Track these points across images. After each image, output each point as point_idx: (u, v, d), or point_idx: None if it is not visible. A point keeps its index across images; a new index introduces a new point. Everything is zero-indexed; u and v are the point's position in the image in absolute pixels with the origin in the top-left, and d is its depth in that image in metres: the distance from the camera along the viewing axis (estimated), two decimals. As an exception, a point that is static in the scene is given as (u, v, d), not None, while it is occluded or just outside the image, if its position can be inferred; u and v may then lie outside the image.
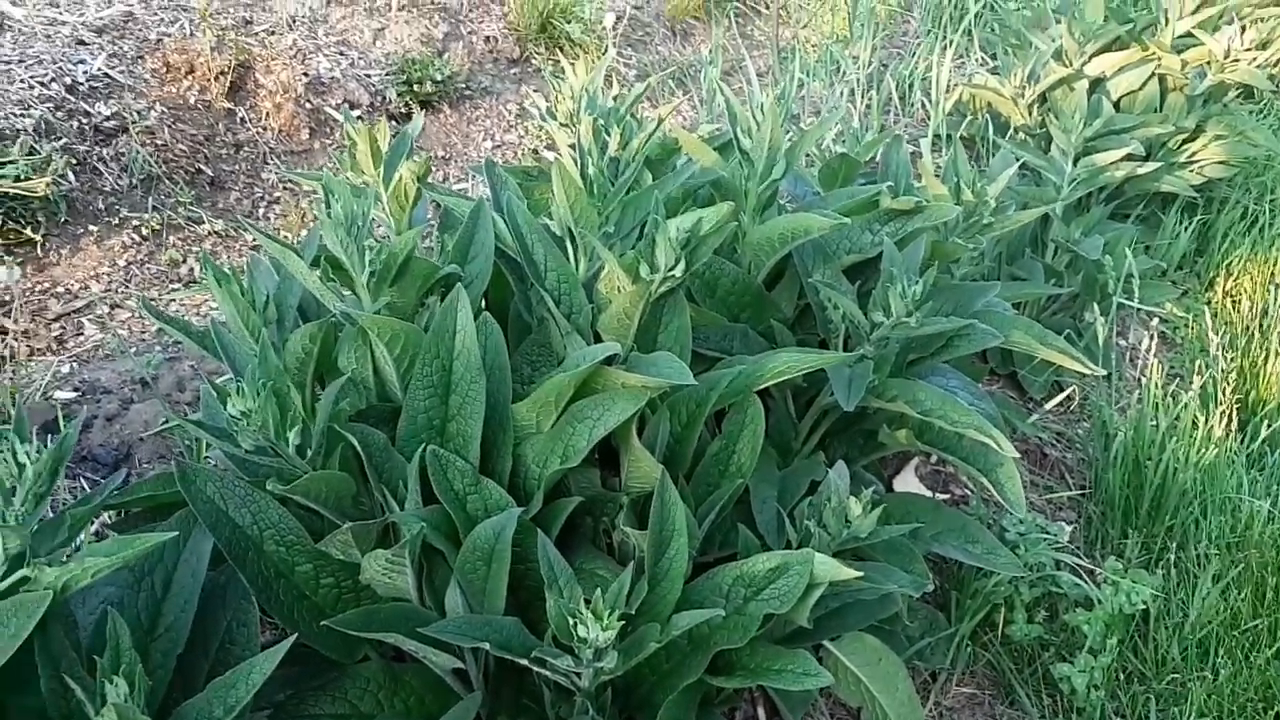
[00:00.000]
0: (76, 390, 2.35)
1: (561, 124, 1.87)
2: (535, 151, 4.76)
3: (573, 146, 1.86)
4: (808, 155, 3.39)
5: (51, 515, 1.25)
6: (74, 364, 2.66)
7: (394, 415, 1.42)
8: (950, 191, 2.08)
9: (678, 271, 1.52)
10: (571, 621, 1.24)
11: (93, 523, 1.62)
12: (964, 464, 1.93)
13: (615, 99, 2.05)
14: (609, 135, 1.74)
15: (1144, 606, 2.26)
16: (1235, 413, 2.89)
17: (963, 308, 2.01)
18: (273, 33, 4.66)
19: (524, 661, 1.27)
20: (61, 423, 2.14)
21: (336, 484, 1.28)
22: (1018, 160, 2.69)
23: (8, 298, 3.20)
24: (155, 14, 4.52)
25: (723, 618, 1.42)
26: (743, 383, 1.58)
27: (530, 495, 1.44)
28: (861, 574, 1.42)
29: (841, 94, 3.90)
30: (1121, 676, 2.29)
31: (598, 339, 1.57)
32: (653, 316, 1.62)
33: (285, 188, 4.32)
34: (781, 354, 1.64)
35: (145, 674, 1.07)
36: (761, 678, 1.42)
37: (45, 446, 1.10)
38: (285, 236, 4.09)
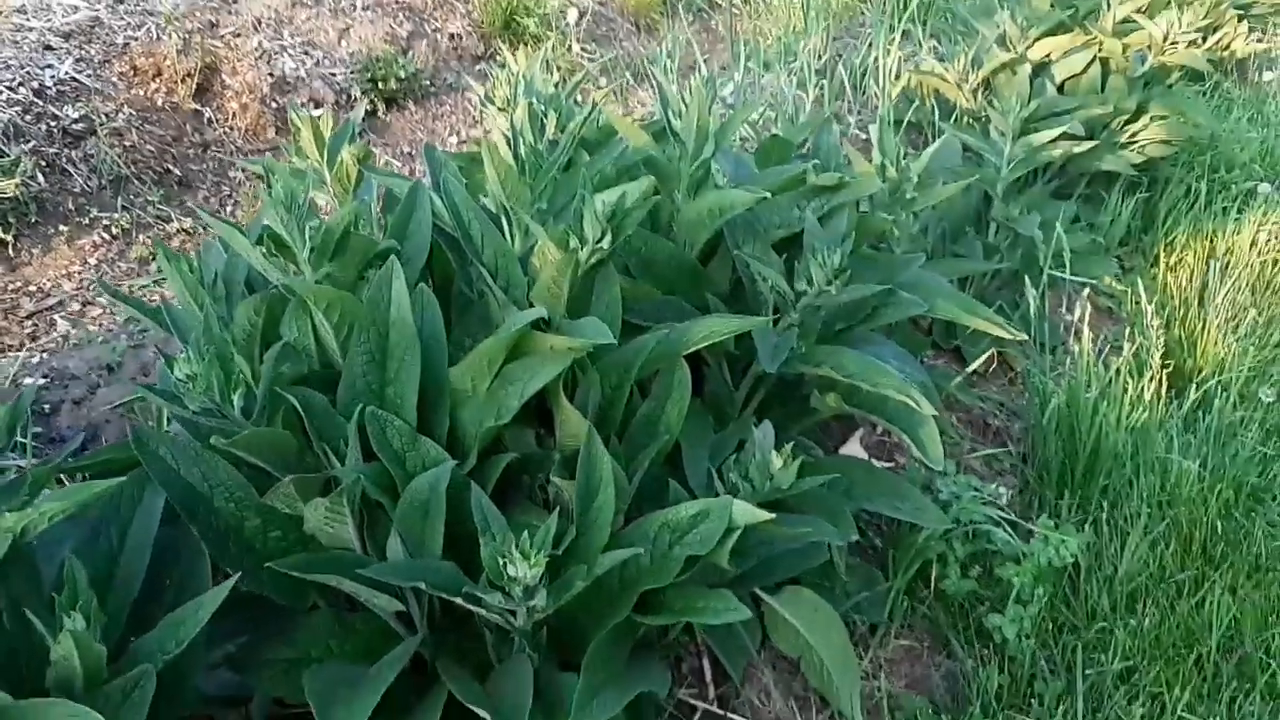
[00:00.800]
0: (45, 377, 2.44)
1: (499, 109, 1.98)
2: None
3: (505, 132, 1.97)
4: (747, 140, 3.50)
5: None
6: (42, 354, 2.75)
7: (335, 381, 1.52)
8: (876, 169, 2.19)
9: (605, 243, 1.63)
10: (502, 562, 1.34)
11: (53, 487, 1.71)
12: (890, 424, 2.04)
13: (556, 85, 2.16)
14: (546, 120, 1.85)
15: (1072, 560, 2.38)
16: (1167, 379, 3.02)
17: (889, 278, 2.12)
18: (238, 35, 4.75)
19: (458, 600, 1.37)
20: (26, 406, 2.23)
21: (279, 441, 1.39)
22: (937, 143, 2.80)
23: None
24: (122, 19, 4.60)
25: (649, 561, 1.52)
26: (669, 347, 1.69)
27: (467, 453, 1.54)
28: (774, 517, 1.52)
29: (794, 83, 4.01)
30: (1052, 627, 2.40)
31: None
32: (584, 289, 1.72)
33: (252, 185, 4.40)
34: (708, 319, 1.75)
35: (102, 616, 1.17)
36: (687, 615, 1.53)
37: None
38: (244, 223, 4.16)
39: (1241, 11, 5.12)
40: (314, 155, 1.79)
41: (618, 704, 1.45)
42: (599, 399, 1.67)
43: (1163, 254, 3.93)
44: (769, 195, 1.85)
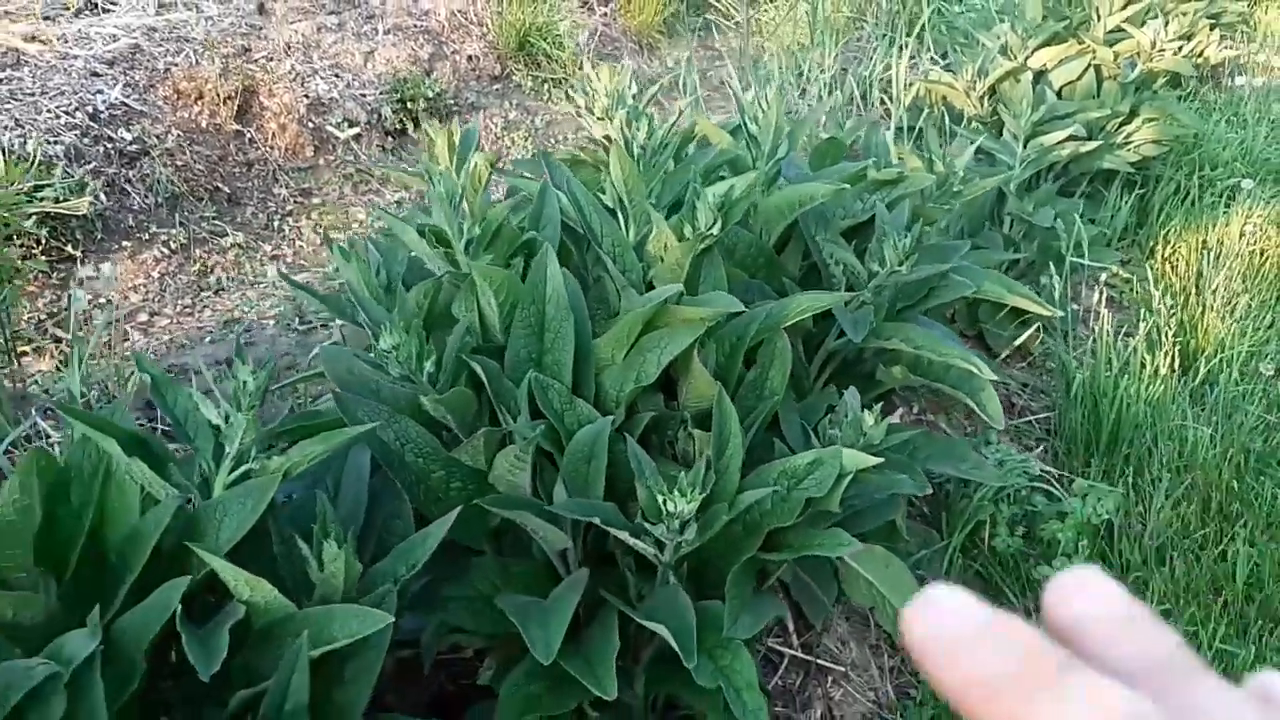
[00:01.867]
0: (169, 372, 2.63)
1: (598, 118, 2.21)
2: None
3: (607, 137, 2.21)
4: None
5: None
6: (154, 354, 2.95)
7: (497, 353, 1.74)
8: (924, 165, 2.43)
9: (715, 230, 1.86)
10: (661, 499, 1.56)
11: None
12: (952, 390, 2.28)
13: (634, 98, 2.39)
14: (637, 126, 2.08)
15: (1108, 517, 2.63)
16: (1178, 355, 3.28)
17: (943, 262, 2.37)
18: (271, 59, 4.96)
19: (623, 535, 1.59)
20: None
21: (465, 399, 1.61)
22: (973, 143, 3.06)
23: (58, 309, 3.47)
24: (160, 45, 4.81)
25: (772, 503, 1.75)
26: (772, 320, 1.92)
27: (611, 412, 1.76)
28: (881, 460, 1.76)
29: (813, 95, 4.26)
30: (1093, 578, 2.64)
31: (650, 289, 1.90)
32: (693, 271, 1.95)
33: (296, 201, 4.61)
34: (801, 296, 1.98)
35: (352, 544, 1.39)
36: (806, 549, 1.76)
37: (252, 373, 1.41)
38: (299, 246, 4.39)
39: (1213, 21, 5.45)
40: (445, 161, 2.01)
41: (755, 626, 1.68)
42: (714, 366, 1.90)
43: (1159, 246, 4.21)
44: (848, 187, 2.09)
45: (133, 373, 2.62)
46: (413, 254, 1.90)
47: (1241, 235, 4.19)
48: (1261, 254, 4.14)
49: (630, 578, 1.81)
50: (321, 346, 1.65)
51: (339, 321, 3.04)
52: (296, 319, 3.23)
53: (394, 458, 1.63)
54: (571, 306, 1.75)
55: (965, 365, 2.16)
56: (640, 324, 1.75)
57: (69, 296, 3.22)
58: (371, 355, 1.85)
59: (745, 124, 2.25)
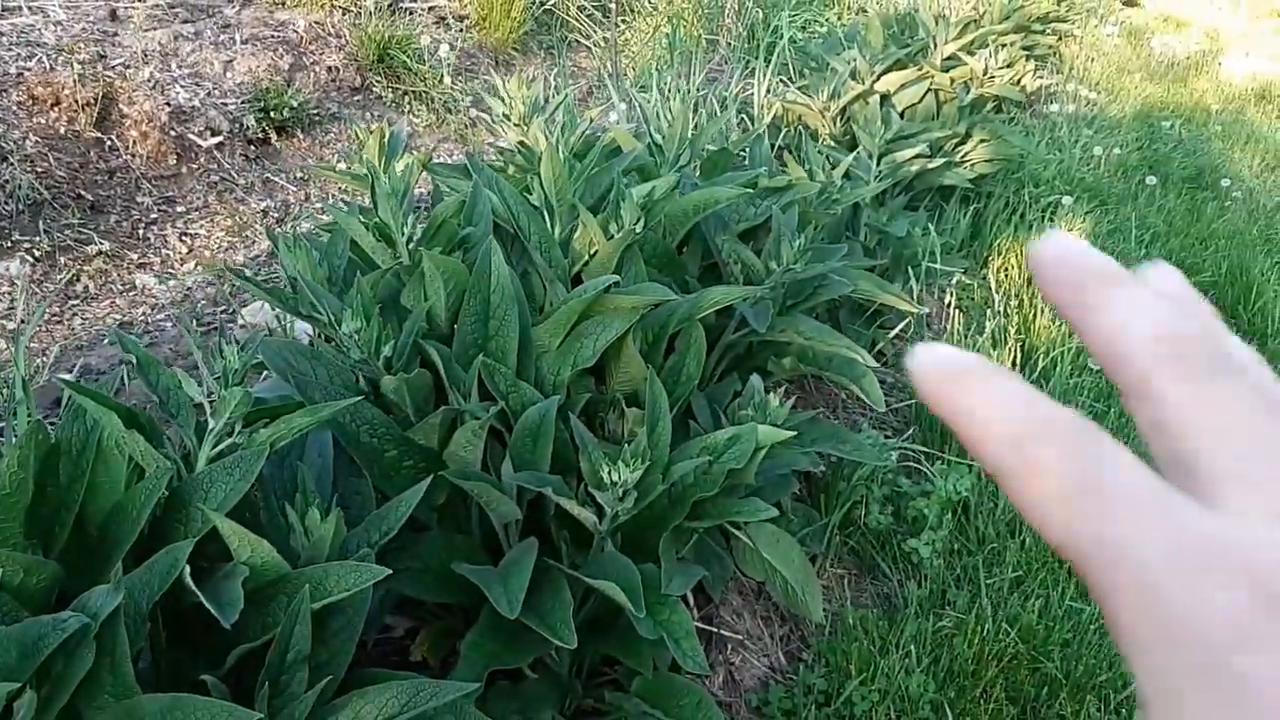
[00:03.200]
0: (68, 372, 2.62)
1: (515, 123, 2.35)
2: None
3: (522, 143, 2.35)
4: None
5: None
6: (54, 354, 2.91)
7: (444, 339, 1.86)
8: (808, 174, 2.66)
9: (638, 227, 2.03)
10: (606, 470, 1.71)
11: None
12: (838, 377, 2.50)
13: (547, 102, 2.54)
14: (563, 129, 2.24)
15: (965, 494, 2.91)
16: (1019, 352, 3.63)
17: (824, 264, 2.59)
18: (129, 66, 4.88)
19: (571, 503, 1.73)
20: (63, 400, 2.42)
21: (425, 382, 1.72)
22: (829, 161, 3.33)
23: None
24: (9, 49, 4.68)
25: (696, 475, 1.92)
26: (689, 310, 2.10)
27: (550, 393, 1.90)
28: (794, 434, 1.95)
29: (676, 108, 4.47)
30: (954, 550, 2.92)
31: (575, 284, 2.05)
32: (617, 266, 2.11)
33: (160, 210, 4.55)
34: (714, 290, 2.16)
35: (335, 510, 1.48)
36: (728, 517, 1.94)
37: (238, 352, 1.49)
38: (166, 255, 4.35)
39: (1027, 52, 5.97)
40: (375, 161, 2.11)
41: (686, 585, 1.85)
42: (639, 352, 2.06)
43: (993, 257, 4.60)
44: (750, 191, 2.29)
45: (33, 374, 2.59)
46: (349, 254, 1.99)
47: (1064, 247, 4.61)
48: (1081, 264, 4.56)
49: (565, 548, 1.94)
50: (261, 337, 1.73)
51: (241, 320, 3.07)
52: (194, 321, 3.23)
53: (350, 438, 1.73)
54: (514, 297, 1.88)
55: (850, 354, 2.39)
56: (578, 312, 1.90)
57: None
58: (307, 346, 1.94)
59: (651, 134, 2.42)
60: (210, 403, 1.46)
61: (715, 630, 2.51)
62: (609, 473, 1.71)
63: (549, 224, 2.10)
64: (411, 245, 1.88)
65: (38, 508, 1.38)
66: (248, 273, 3.90)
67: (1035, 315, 4.04)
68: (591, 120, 2.34)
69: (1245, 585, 0.26)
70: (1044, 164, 5.39)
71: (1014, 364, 3.53)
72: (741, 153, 2.96)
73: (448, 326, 1.88)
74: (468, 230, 1.97)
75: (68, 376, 2.58)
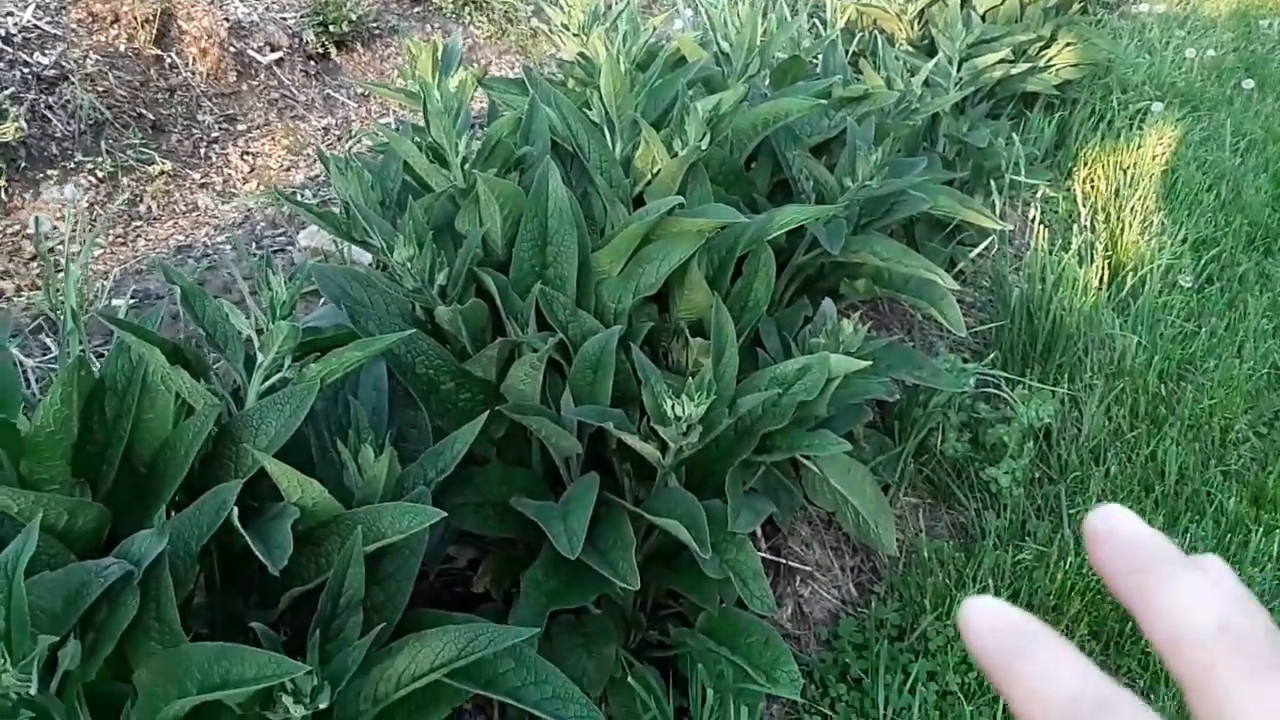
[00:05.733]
0: (133, 298, 2.59)
1: (574, 34, 2.23)
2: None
3: (582, 54, 2.23)
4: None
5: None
6: (114, 280, 2.89)
7: (500, 267, 1.78)
8: (885, 83, 2.51)
9: (704, 144, 1.91)
10: (670, 404, 1.63)
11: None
12: (915, 299, 2.38)
13: (608, 11, 2.41)
14: (624, 40, 2.11)
15: (1048, 421, 2.78)
16: (1106, 270, 3.45)
17: (901, 178, 2.45)
18: (189, -21, 4.79)
19: (633, 439, 1.66)
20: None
21: (480, 312, 1.64)
22: (908, 68, 3.15)
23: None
24: (69, -36, 4.61)
25: (765, 407, 1.83)
26: (758, 232, 1.99)
27: (610, 323, 1.82)
28: (869, 364, 1.85)
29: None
30: (1034, 479, 2.81)
31: (638, 205, 1.95)
32: (682, 186, 2.00)
33: (221, 128, 4.51)
34: (786, 209, 2.04)
35: (389, 448, 1.42)
36: (798, 449, 1.85)
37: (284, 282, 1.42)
38: (228, 174, 4.32)
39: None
40: (428, 77, 2.01)
41: (754, 521, 1.77)
42: (705, 277, 1.96)
43: (1078, 168, 4.38)
44: (823, 102, 2.15)
45: (94, 297, 2.57)
46: (404, 175, 1.91)
47: (1154, 157, 4.38)
48: (1171, 172, 4.33)
49: (628, 482, 1.88)
50: (311, 264, 1.66)
51: (300, 244, 3.02)
52: (253, 244, 3.19)
53: (405, 369, 1.66)
54: (573, 221, 1.79)
55: (928, 275, 2.26)
56: (640, 236, 1.80)
57: (34, 219, 3.12)
58: (363, 272, 1.87)
59: (717, 42, 2.29)
60: (259, 336, 1.40)
61: (783, 561, 2.44)
62: (672, 407, 1.63)
63: (609, 141, 1.99)
64: (466, 166, 1.79)
65: (84, 445, 1.34)
66: (307, 194, 3.85)
67: (1123, 230, 3.84)
68: (655, 29, 2.20)
69: None
70: (1133, 68, 5.11)
71: (1101, 281, 3.36)
72: (814, 60, 2.80)
73: (505, 252, 1.79)
74: (524, 150, 1.87)
75: (124, 302, 2.55)
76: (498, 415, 1.63)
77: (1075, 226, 3.69)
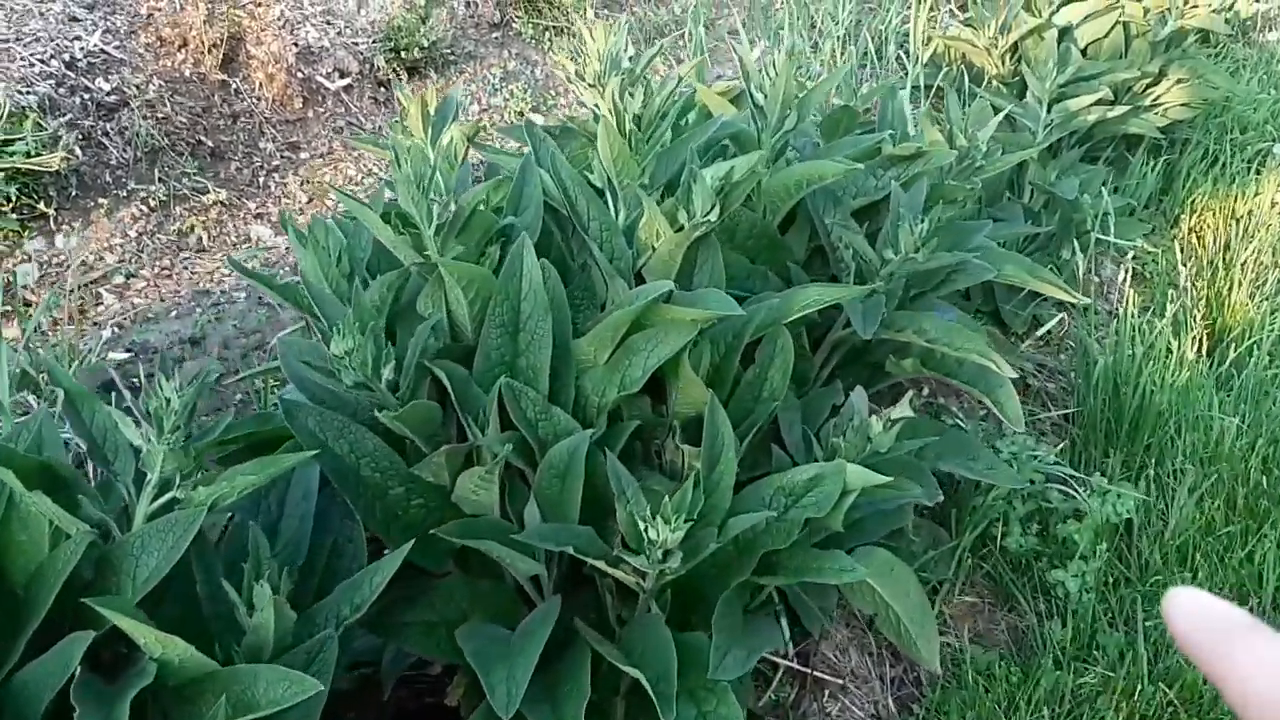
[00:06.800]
0: (128, 351, 2.47)
1: (589, 85, 2.02)
2: (520, 114, 4.89)
3: (596, 106, 2.02)
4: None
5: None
6: (114, 329, 2.78)
7: (467, 354, 1.57)
8: (945, 138, 2.24)
9: (713, 217, 1.68)
10: (642, 525, 1.40)
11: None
12: (966, 386, 2.11)
13: (630, 59, 2.19)
14: (631, 95, 1.89)
15: (1129, 516, 2.46)
16: (1205, 338, 3.10)
17: (959, 245, 2.18)
18: (259, 4, 4.73)
19: (600, 564, 1.44)
20: (118, 381, 2.26)
21: (427, 413, 1.44)
22: (995, 110, 2.87)
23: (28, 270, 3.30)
24: (142, -13, 4.58)
25: (768, 523, 1.59)
26: (773, 316, 1.75)
27: (592, 421, 1.60)
28: (890, 480, 1.59)
29: (826, 51, 4.04)
30: (1109, 581, 2.49)
31: (639, 281, 1.73)
32: (688, 260, 1.77)
33: (283, 156, 4.43)
34: (808, 289, 1.80)
35: (288, 584, 1.23)
36: (804, 575, 1.60)
37: (178, 390, 1.24)
38: (285, 204, 4.22)
39: (1243, -28, 5.18)
40: (419, 133, 1.83)
41: (746, 663, 1.52)
42: (708, 367, 1.73)
43: (1185, 216, 4.00)
44: (860, 166, 1.90)
45: (87, 351, 2.45)
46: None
47: (1273, 205, 3.98)
48: (1293, 225, 3.93)
49: (610, 599, 1.65)
50: (279, 337, 1.49)
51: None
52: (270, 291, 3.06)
53: (349, 472, 1.47)
54: (551, 303, 1.58)
55: (983, 361, 1.98)
56: (627, 323, 1.58)
57: (14, 270, 3.03)
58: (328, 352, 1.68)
59: (751, 93, 2.05)
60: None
61: (810, 672, 2.18)
62: (646, 529, 1.40)
63: (611, 208, 1.78)
64: (439, 238, 1.59)
65: (-57, 570, 1.17)
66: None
67: (1231, 289, 3.47)
68: (681, 79, 1.98)
69: None
70: (1254, 104, 4.68)
71: (1199, 350, 3.02)
72: (869, 109, 2.55)
73: (475, 335, 1.59)
74: (508, 220, 1.66)
75: (123, 355, 2.43)
76: (446, 531, 1.42)
77: (1173, 286, 3.34)
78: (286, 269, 3.45)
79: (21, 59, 3.93)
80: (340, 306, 1.52)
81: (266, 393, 1.99)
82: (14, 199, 3.46)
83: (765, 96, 2.04)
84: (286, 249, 3.76)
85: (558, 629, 1.52)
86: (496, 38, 5.45)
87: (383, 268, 1.70)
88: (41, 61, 3.91)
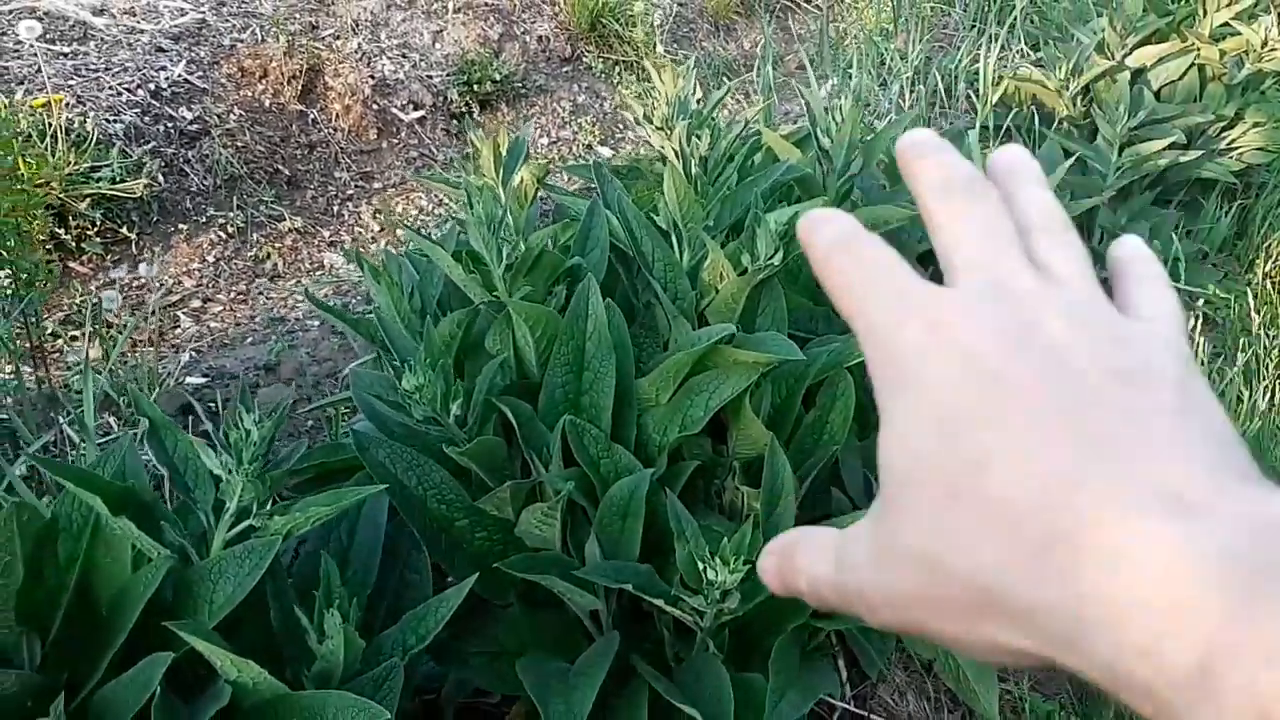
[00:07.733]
0: (205, 376, 2.55)
1: (657, 128, 2.06)
2: (589, 147, 4.96)
3: (663, 148, 2.06)
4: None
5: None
6: (193, 353, 2.87)
7: (532, 391, 1.61)
8: (1011, 183, 2.24)
9: (776, 261, 1.70)
10: (702, 566, 1.42)
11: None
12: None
13: (699, 102, 2.23)
14: (698, 137, 1.93)
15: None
16: (1279, 387, 3.04)
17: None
18: (338, 37, 4.86)
19: (659, 602, 1.46)
20: (196, 406, 2.34)
21: (493, 449, 1.48)
22: (1066, 153, 2.86)
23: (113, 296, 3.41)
24: (227, 20, 4.74)
25: (826, 567, 1.60)
26: (835, 359, 1.76)
27: (653, 459, 1.62)
28: (950, 527, 1.59)
29: (893, 89, 4.05)
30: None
31: (702, 322, 1.75)
32: (751, 303, 1.79)
33: (357, 185, 4.53)
34: (869, 333, 1.81)
35: (357, 612, 1.27)
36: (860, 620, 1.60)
37: (257, 421, 1.28)
38: (359, 233, 4.31)
39: (1326, 14, 5.10)
40: (490, 174, 1.87)
41: (803, 706, 1.53)
42: (769, 409, 1.75)
43: (1260, 261, 3.94)
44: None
45: (166, 375, 2.53)
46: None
47: (1352, 252, 3.91)
48: (1373, 273, 3.85)
49: (667, 636, 1.67)
50: (351, 368, 1.53)
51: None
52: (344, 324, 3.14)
53: (417, 504, 1.51)
54: (615, 343, 1.61)
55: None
56: (689, 364, 1.61)
57: (100, 296, 3.13)
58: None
59: (817, 137, 2.08)
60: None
61: (867, 715, 2.17)
62: (705, 569, 1.42)
63: (676, 250, 1.81)
64: (508, 277, 1.63)
65: (31, 592, 1.23)
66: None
67: (1308, 337, 3.41)
68: (747, 123, 2.01)
69: (923, 324, 0.40)
70: (1335, 149, 4.60)
71: (1272, 401, 2.96)
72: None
73: (539, 374, 1.62)
74: (575, 260, 1.70)
75: (200, 380, 2.50)
76: (510, 565, 1.46)
77: (1246, 335, 3.29)
78: (358, 297, 3.53)
79: (110, 88, 4.08)
80: (412, 341, 1.56)
81: (338, 420, 2.05)
82: (99, 224, 3.58)
83: (831, 140, 2.06)
84: (359, 277, 3.85)
85: (615, 664, 1.54)
86: (567, 71, 5.53)
87: (453, 304, 1.75)
88: (129, 90, 4.05)
